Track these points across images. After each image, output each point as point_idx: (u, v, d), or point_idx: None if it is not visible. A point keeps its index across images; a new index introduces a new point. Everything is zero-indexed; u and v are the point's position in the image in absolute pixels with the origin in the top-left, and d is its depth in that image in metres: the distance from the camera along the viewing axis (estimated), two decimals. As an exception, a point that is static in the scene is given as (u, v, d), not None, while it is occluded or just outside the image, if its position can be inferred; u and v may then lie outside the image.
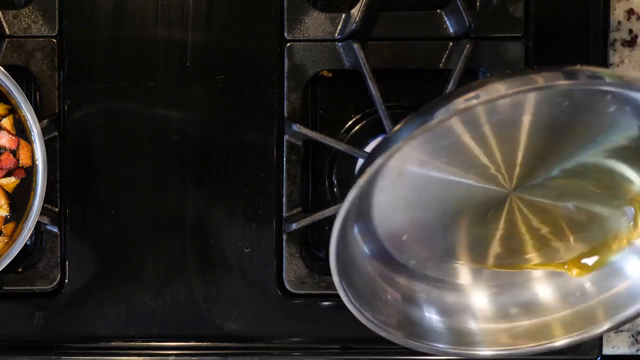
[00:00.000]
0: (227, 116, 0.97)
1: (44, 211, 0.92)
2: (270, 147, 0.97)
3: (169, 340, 0.98)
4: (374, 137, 0.98)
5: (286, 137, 0.97)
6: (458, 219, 0.86)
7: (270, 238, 0.92)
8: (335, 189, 1.00)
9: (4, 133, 0.92)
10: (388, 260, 0.89)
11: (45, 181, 0.89)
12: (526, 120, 0.79)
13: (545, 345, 0.88)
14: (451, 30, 0.96)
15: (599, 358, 1.00)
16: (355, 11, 0.95)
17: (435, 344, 0.88)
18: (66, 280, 0.97)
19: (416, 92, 0.99)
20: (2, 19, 0.95)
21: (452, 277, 0.91)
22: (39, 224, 0.94)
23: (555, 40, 0.97)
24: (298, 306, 0.98)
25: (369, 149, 0.96)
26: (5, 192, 0.92)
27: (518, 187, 0.83)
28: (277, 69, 0.97)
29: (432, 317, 0.90)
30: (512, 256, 0.90)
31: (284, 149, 0.97)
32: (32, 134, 0.90)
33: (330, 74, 0.98)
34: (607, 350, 1.02)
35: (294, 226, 0.95)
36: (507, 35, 0.90)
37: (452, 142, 0.80)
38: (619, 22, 1.01)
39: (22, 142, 0.92)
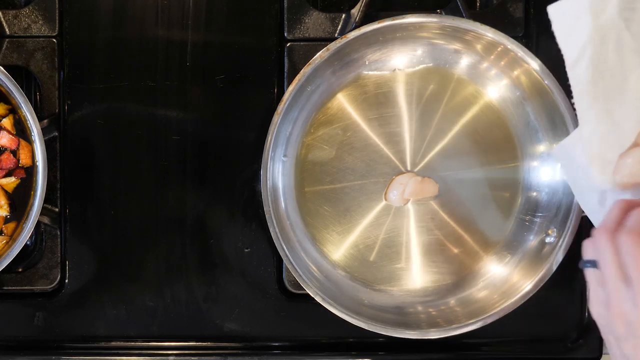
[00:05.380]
0: (226, 116, 0.97)
1: (44, 211, 0.92)
2: (270, 147, 0.97)
3: (169, 340, 0.98)
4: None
5: (286, 137, 0.97)
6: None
7: (270, 238, 0.92)
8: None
9: (4, 133, 0.92)
10: None
11: (45, 181, 0.89)
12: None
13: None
14: (451, 30, 0.96)
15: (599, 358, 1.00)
16: (355, 11, 0.95)
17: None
18: (66, 280, 0.97)
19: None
20: (2, 19, 0.95)
21: None
22: (39, 224, 0.94)
23: (555, 41, 0.97)
24: (298, 306, 0.98)
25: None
26: (5, 192, 0.92)
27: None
28: (277, 69, 0.97)
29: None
30: None
31: (284, 149, 0.97)
32: (32, 134, 0.90)
33: (330, 74, 0.98)
34: (607, 350, 1.02)
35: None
36: (507, 35, 0.90)
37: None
38: (619, 22, 1.01)
39: (22, 142, 0.92)
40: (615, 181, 0.81)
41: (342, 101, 0.95)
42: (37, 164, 0.90)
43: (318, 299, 0.91)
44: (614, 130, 0.81)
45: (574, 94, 0.82)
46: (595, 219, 0.85)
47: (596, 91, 0.81)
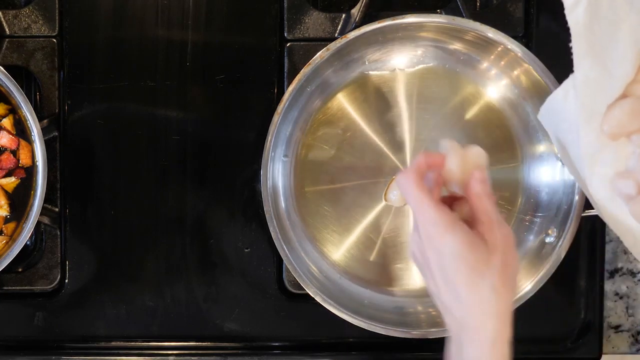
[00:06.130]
0: (226, 116, 0.97)
1: (44, 211, 0.92)
2: (270, 147, 0.97)
3: (169, 340, 0.98)
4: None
5: (286, 137, 0.97)
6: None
7: (270, 238, 0.92)
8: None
9: (4, 133, 0.92)
10: None
11: (45, 181, 0.89)
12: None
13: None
14: (451, 30, 0.96)
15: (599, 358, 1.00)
16: (355, 11, 0.95)
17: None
18: (66, 280, 0.97)
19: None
20: (2, 19, 0.95)
21: None
22: (39, 224, 0.94)
23: (555, 41, 0.97)
24: (298, 306, 0.98)
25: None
26: (5, 192, 0.92)
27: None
28: (277, 69, 0.97)
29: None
30: None
31: (284, 149, 0.97)
32: (32, 134, 0.90)
33: (330, 74, 0.98)
34: (607, 350, 1.02)
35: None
36: (507, 35, 0.90)
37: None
38: (619, 22, 1.01)
39: (22, 142, 0.92)
40: (603, 132, 0.80)
41: (342, 101, 0.95)
42: (37, 164, 0.90)
43: (318, 299, 0.91)
44: (605, 80, 0.79)
45: (572, 38, 0.79)
46: (582, 175, 0.83)
47: (592, 36, 0.79)
